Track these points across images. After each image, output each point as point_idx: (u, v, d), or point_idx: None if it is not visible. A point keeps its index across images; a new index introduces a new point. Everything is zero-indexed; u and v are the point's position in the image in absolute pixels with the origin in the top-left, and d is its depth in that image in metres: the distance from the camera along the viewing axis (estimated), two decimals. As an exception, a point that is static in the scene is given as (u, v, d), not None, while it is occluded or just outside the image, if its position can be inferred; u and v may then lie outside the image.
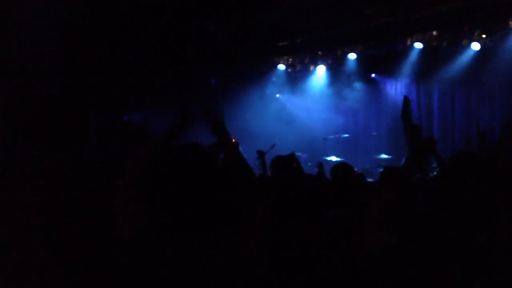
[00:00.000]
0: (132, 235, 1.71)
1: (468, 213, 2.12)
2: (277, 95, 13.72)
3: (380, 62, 11.95)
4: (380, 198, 2.28)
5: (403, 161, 3.75)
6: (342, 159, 11.10)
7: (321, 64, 12.66)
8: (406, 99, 5.07)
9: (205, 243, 1.61)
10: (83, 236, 2.82)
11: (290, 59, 13.03)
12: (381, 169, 9.67)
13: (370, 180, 9.00)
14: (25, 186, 3.47)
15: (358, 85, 12.54)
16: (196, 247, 1.60)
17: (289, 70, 13.20)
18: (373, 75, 12.50)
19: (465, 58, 10.66)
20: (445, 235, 2.07)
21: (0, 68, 7.03)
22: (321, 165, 6.83)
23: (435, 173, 4.56)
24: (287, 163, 4.11)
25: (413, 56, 11.27)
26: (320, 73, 12.80)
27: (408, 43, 11.18)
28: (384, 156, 10.72)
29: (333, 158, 11.04)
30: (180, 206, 1.66)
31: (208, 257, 1.62)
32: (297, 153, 11.11)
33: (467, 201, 2.15)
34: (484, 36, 10.32)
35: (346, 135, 12.18)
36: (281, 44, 11.95)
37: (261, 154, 7.13)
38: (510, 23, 9.80)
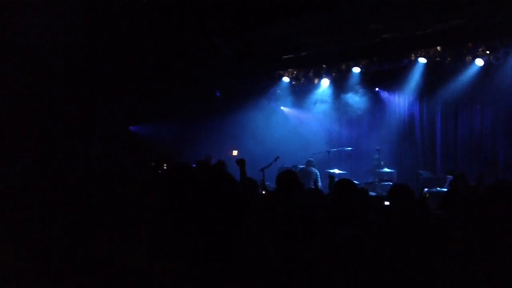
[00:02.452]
0: (140, 266, 1.67)
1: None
2: (281, 107, 13.80)
3: (384, 76, 12.00)
4: None
5: None
6: (344, 172, 11.12)
7: (325, 77, 12.71)
8: (330, 177, 5.54)
9: (217, 272, 1.60)
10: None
11: (295, 72, 13.07)
12: (384, 183, 9.73)
13: (372, 194, 9.03)
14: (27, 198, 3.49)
15: (361, 99, 12.59)
16: (209, 278, 1.59)
17: (294, 82, 13.25)
18: (377, 89, 12.55)
19: (468, 73, 10.73)
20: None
21: (9, 74, 7.13)
22: (332, 177, 6.82)
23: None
24: (292, 178, 4.10)
25: (417, 71, 11.34)
26: (324, 86, 12.87)
27: (412, 58, 11.25)
28: (386, 169, 10.72)
29: (336, 171, 11.06)
30: (190, 233, 1.64)
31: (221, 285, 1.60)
32: (299, 166, 11.20)
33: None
34: (488, 52, 10.41)
35: (349, 148, 12.21)
36: (286, 57, 12.01)
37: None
38: (514, 40, 9.91)
